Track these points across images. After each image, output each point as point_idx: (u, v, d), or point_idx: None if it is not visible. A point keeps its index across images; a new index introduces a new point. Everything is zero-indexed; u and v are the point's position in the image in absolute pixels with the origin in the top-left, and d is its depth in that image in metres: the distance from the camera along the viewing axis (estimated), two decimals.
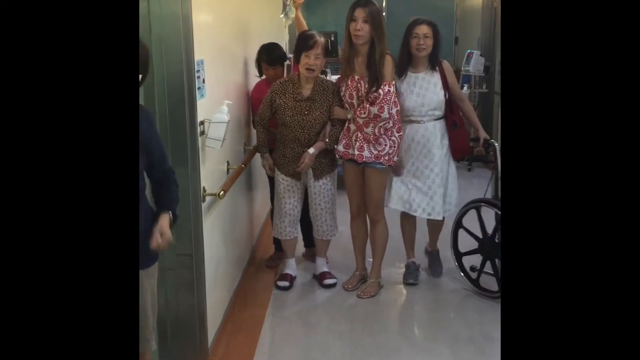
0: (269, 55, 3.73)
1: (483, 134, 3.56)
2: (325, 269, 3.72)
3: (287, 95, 3.37)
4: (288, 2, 4.21)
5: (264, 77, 3.80)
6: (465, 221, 3.59)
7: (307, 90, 3.35)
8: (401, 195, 3.51)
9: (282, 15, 4.39)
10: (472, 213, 3.52)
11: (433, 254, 3.88)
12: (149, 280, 1.95)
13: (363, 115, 3.25)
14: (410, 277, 3.68)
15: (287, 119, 3.36)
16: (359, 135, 3.31)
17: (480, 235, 3.50)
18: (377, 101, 3.19)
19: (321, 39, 3.32)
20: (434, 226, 3.79)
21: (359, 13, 3.16)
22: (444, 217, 3.57)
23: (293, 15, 4.11)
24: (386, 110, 3.20)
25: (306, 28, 3.97)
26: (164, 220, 1.92)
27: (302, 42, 3.32)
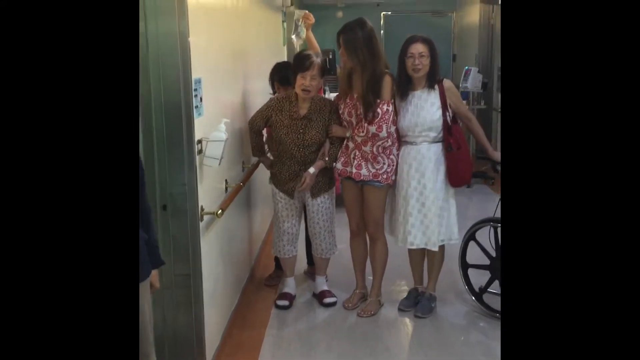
0: (280, 75, 3.72)
1: (496, 156, 3.35)
2: (325, 288, 3.69)
3: (283, 113, 3.36)
4: (300, 23, 4.23)
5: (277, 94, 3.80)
6: (478, 236, 3.49)
7: (303, 109, 3.34)
8: (404, 234, 3.35)
9: (293, 36, 4.41)
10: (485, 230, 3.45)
11: (426, 296, 3.53)
12: (145, 294, 1.94)
13: (361, 134, 3.24)
14: (407, 304, 3.56)
15: (283, 136, 3.35)
16: (357, 153, 3.30)
17: (493, 253, 3.42)
18: (376, 120, 3.18)
19: (317, 60, 3.27)
20: (434, 259, 3.48)
21: (340, 40, 3.21)
22: (443, 252, 3.46)
23: (304, 36, 4.13)
24: (384, 129, 3.19)
25: (317, 48, 3.91)
26: (154, 277, 2.04)
27: (298, 63, 3.28)
